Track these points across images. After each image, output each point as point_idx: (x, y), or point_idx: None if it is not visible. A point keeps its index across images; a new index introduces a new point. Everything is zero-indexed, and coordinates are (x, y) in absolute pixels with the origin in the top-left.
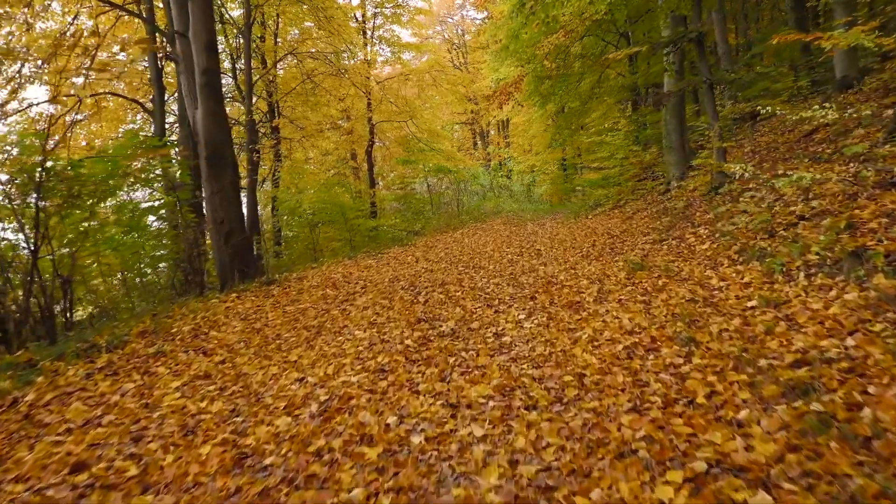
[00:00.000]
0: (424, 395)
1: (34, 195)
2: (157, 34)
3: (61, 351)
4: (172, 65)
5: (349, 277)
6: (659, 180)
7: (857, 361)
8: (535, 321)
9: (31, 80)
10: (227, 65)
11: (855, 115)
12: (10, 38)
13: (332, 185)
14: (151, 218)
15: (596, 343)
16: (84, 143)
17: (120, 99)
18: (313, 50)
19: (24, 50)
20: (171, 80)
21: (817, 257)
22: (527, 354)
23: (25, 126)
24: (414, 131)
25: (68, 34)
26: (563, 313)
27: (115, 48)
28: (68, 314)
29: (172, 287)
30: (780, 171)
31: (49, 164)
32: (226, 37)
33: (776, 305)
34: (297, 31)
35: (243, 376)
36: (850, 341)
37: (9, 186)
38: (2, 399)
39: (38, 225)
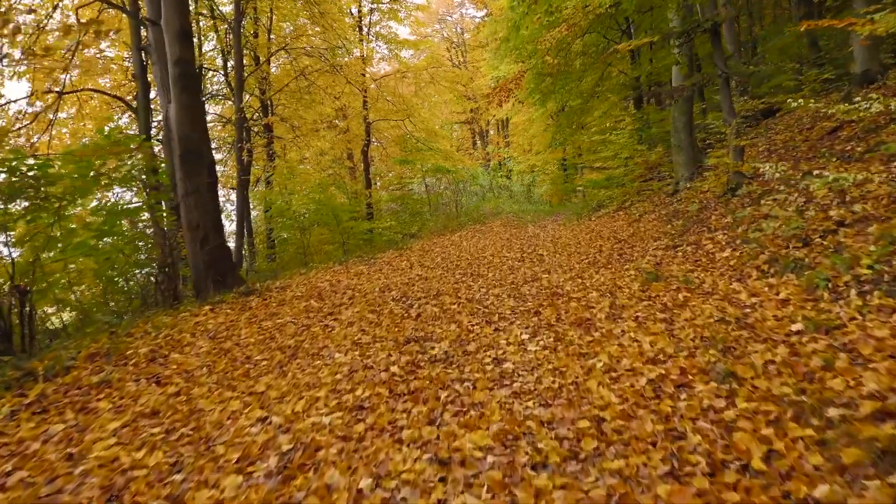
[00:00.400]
0: (408, 446)
1: None
2: (141, 28)
3: None
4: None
5: (337, 286)
6: (666, 181)
7: None
8: (541, 342)
9: (10, 75)
10: (219, 62)
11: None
12: None
13: (326, 185)
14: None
15: (614, 374)
16: (69, 143)
17: (106, 97)
18: (308, 47)
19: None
20: None
21: (870, 272)
22: (532, 388)
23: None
24: (411, 130)
25: (48, 26)
26: (572, 333)
27: (104, 45)
28: (27, 329)
29: (143, 298)
30: (804, 171)
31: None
32: (217, 33)
33: (828, 331)
34: (290, 27)
35: (197, 414)
36: None
37: None
38: None
39: None
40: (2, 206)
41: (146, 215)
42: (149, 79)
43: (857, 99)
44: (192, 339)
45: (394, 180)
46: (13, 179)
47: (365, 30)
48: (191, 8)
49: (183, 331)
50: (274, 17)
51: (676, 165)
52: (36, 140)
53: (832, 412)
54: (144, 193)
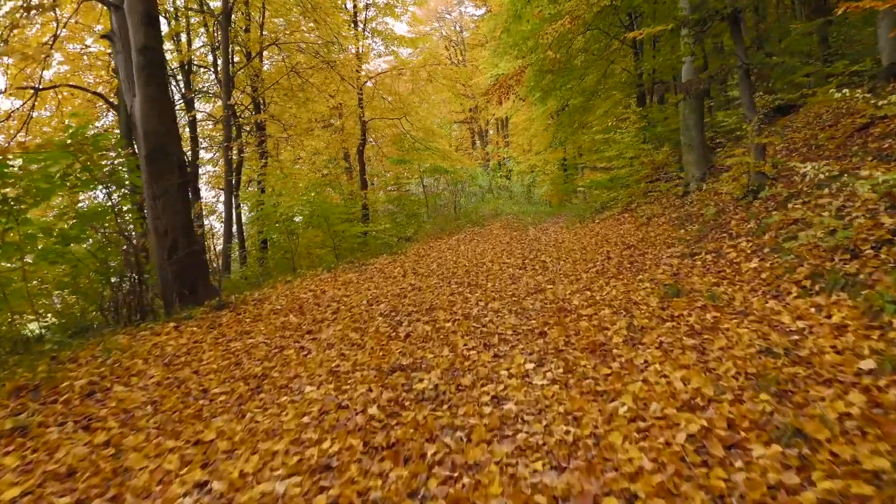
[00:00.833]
0: None
1: None
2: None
3: None
4: None
5: (321, 298)
6: (674, 181)
7: None
8: (549, 374)
9: None
10: (210, 59)
11: None
12: None
13: (318, 186)
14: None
15: (642, 424)
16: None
17: (89, 94)
18: (302, 44)
19: None
20: None
21: None
22: (541, 441)
23: None
24: (408, 129)
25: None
26: (586, 362)
27: (89, 40)
28: None
29: (104, 312)
30: (837, 172)
31: None
32: (206, 28)
33: None
34: (283, 22)
35: (122, 475)
36: None
37: None
38: None
39: None
40: None
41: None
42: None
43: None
44: (145, 365)
45: (390, 181)
46: None
47: (361, 26)
48: (179, 2)
49: (136, 355)
50: (267, 11)
51: (687, 165)
52: (13, 139)
53: None
54: (109, 196)
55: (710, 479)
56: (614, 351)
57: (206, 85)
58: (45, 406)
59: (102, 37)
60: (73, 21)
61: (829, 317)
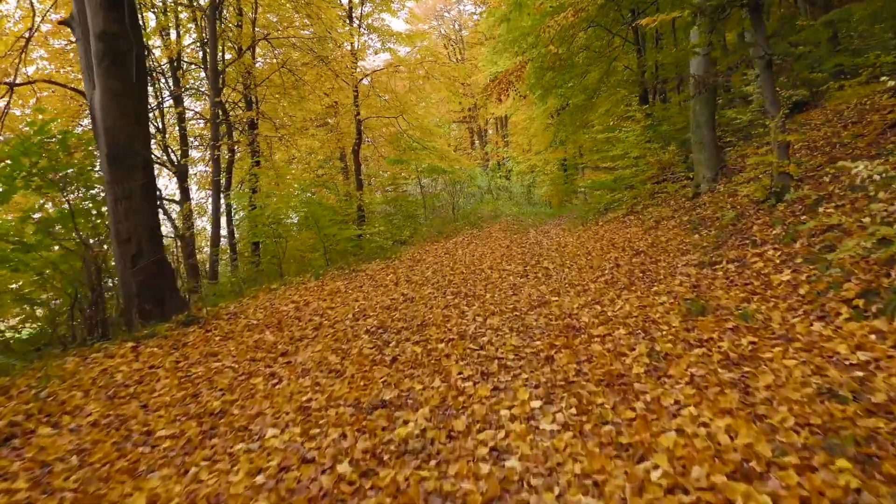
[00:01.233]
0: None
1: None
2: None
3: None
4: None
5: (303, 311)
6: (681, 182)
7: None
8: (559, 416)
9: None
10: (200, 55)
11: None
12: None
13: (311, 187)
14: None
15: (685, 499)
16: None
17: (70, 91)
18: (294, 39)
19: None
20: None
21: None
22: None
23: None
24: (405, 128)
25: None
26: (602, 399)
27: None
28: None
29: (54, 329)
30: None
31: None
32: (196, 23)
33: None
34: (275, 18)
35: None
36: None
37: None
38: None
39: None
40: None
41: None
42: None
43: None
44: (84, 399)
45: (387, 181)
46: None
47: (356, 22)
48: None
49: (79, 384)
50: (259, 7)
51: (697, 165)
52: None
53: None
54: (67, 198)
55: None
56: (636, 385)
57: (198, 82)
58: None
59: (61, 23)
60: (57, 16)
61: None
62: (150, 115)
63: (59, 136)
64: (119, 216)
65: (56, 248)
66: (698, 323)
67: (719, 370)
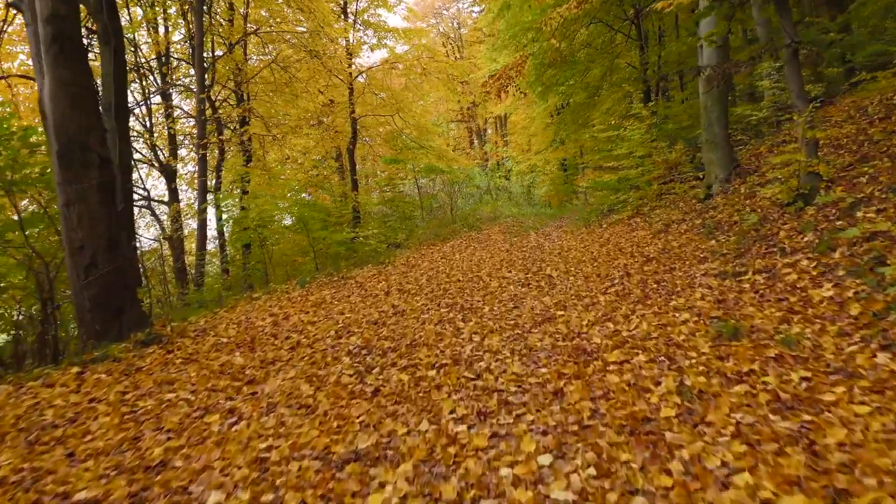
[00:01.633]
0: None
1: None
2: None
3: None
4: (97, 43)
5: (281, 326)
6: (690, 182)
7: None
8: (574, 479)
9: None
10: (190, 52)
11: None
12: None
13: (303, 188)
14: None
15: None
16: None
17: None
18: (286, 34)
19: None
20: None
21: None
22: None
23: None
24: (401, 127)
25: None
26: (627, 454)
27: None
28: None
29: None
30: None
31: None
32: (185, 18)
33: None
34: (266, 13)
35: None
36: None
37: None
38: None
39: None
40: None
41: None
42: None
43: None
44: None
45: (382, 182)
46: None
47: (351, 18)
48: None
49: (0, 423)
50: (251, 2)
51: (708, 165)
52: None
53: None
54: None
55: None
56: (668, 436)
57: (188, 79)
58: None
59: (9, 5)
60: None
61: None
62: (138, 112)
63: (21, 133)
64: (72, 222)
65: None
66: (732, 349)
67: (771, 417)
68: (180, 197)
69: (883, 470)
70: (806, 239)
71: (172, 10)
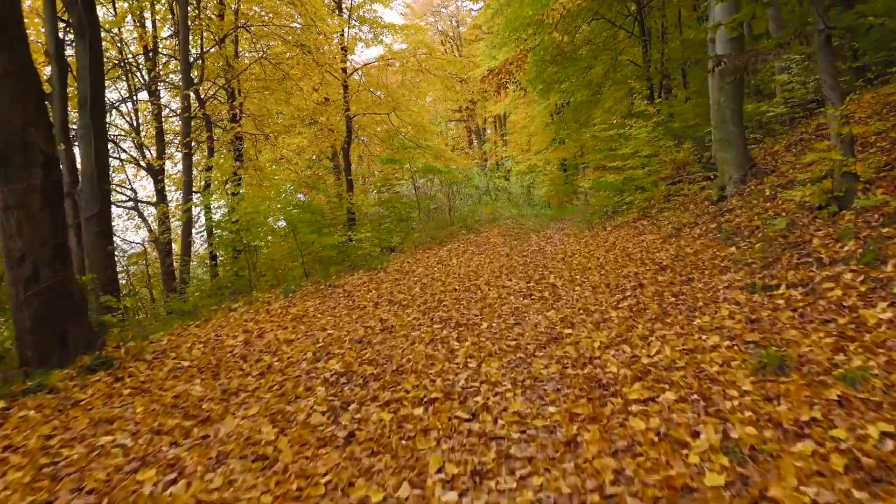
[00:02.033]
0: None
1: None
2: None
3: None
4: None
5: (253, 346)
6: (699, 183)
7: None
8: None
9: None
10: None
11: None
12: None
13: (300, 188)
14: None
15: None
16: None
17: None
18: (277, 29)
19: None
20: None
21: None
22: None
23: None
24: (397, 125)
25: None
26: None
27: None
28: None
29: None
30: None
31: None
32: (172, 11)
33: None
34: (259, 8)
35: None
36: None
37: None
38: None
39: None
40: None
41: None
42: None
43: None
44: None
45: (379, 182)
46: None
47: (346, 13)
48: None
49: None
50: None
51: (722, 164)
52: None
53: None
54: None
55: None
56: None
57: (178, 76)
58: None
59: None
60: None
61: None
62: (125, 110)
63: None
64: (10, 229)
65: None
66: (781, 387)
67: (855, 494)
68: (169, 198)
69: None
70: (846, 248)
71: (160, 5)
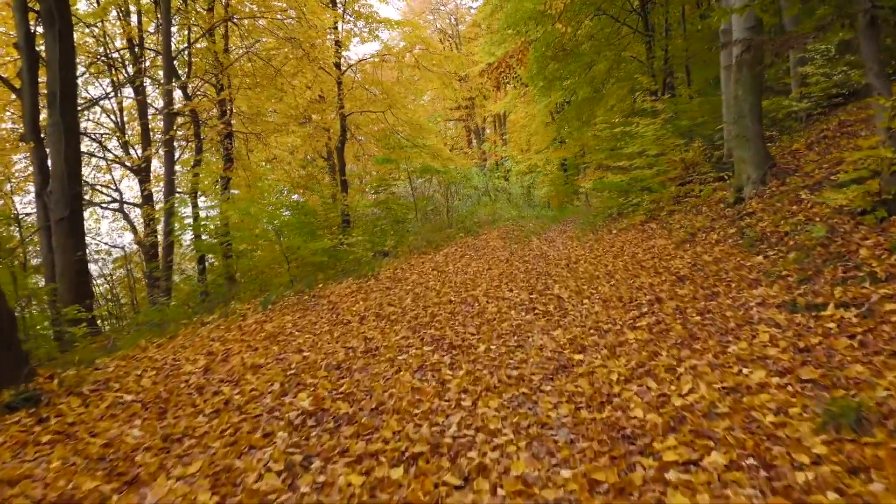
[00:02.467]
0: None
1: None
2: None
3: None
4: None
5: (213, 374)
6: (710, 184)
7: None
8: None
9: None
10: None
11: None
12: None
13: (294, 190)
14: None
15: None
16: None
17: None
18: (266, 23)
19: None
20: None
21: None
22: None
23: None
24: (393, 124)
25: None
26: None
27: None
28: None
29: None
30: None
31: None
32: (157, 2)
33: None
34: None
35: None
36: None
37: None
38: None
39: None
40: None
41: None
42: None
43: None
44: None
45: (375, 182)
46: None
47: (340, 8)
48: None
49: None
50: None
51: (739, 163)
52: None
53: None
54: None
55: None
56: None
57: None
58: None
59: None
60: None
61: None
62: (110, 107)
63: None
64: None
65: None
66: (866, 452)
67: None
68: (156, 199)
69: None
70: None
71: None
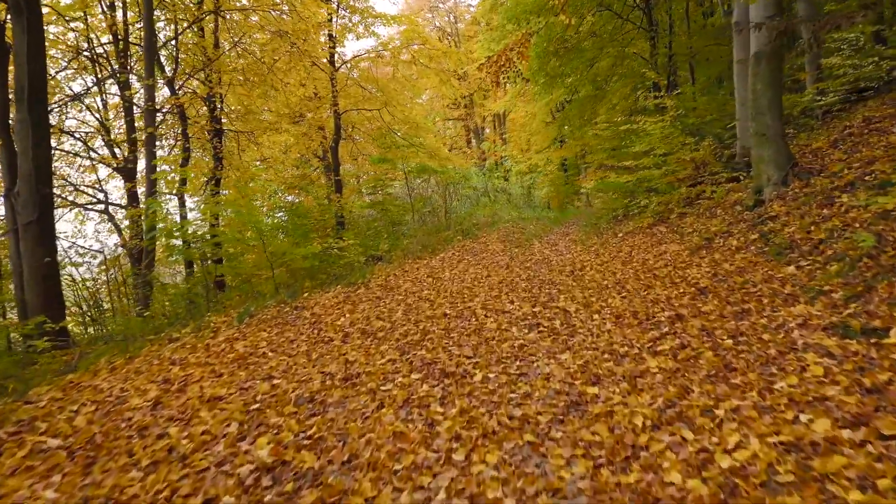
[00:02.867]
0: None
1: None
2: None
3: None
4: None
5: (163, 410)
6: (722, 185)
7: None
8: None
9: None
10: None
11: None
12: None
13: (290, 190)
14: None
15: None
16: None
17: None
18: (256, 18)
19: None
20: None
21: None
22: None
23: None
24: (389, 122)
25: None
26: None
27: None
28: None
29: None
30: None
31: None
32: None
33: None
34: None
35: None
36: None
37: None
38: None
39: None
40: None
41: None
42: (7, 38)
43: None
44: None
45: (370, 182)
46: None
47: (335, 2)
48: None
49: None
50: None
51: (758, 163)
52: None
53: None
54: None
55: None
56: None
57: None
58: None
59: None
60: None
61: None
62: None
63: None
64: None
65: None
66: None
67: None
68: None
69: None
70: None
71: None
